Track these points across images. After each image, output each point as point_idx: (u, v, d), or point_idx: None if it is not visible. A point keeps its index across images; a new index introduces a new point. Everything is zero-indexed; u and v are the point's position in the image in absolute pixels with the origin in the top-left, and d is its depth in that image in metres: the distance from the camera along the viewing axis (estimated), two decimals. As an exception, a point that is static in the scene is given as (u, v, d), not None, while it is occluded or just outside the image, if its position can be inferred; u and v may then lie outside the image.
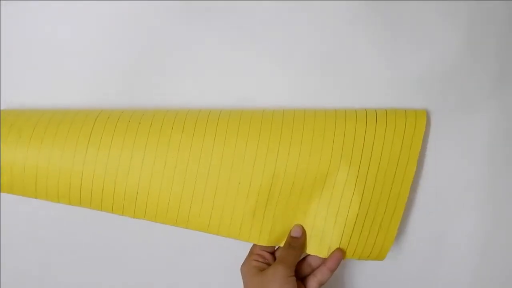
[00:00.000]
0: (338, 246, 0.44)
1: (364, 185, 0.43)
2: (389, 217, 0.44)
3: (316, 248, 0.45)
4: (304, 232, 0.44)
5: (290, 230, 0.44)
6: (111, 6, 0.45)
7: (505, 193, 0.46)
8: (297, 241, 0.44)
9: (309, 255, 0.45)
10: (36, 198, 0.44)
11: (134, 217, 0.45)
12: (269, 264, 0.44)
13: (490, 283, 0.48)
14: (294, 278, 0.42)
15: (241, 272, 0.44)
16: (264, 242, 0.45)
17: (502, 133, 0.45)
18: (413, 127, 0.43)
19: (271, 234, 0.44)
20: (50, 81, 0.47)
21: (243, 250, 0.46)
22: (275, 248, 0.46)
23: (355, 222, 0.44)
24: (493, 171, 0.46)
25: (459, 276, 0.48)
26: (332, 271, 0.44)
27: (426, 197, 0.46)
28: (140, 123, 0.44)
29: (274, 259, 0.45)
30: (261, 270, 0.43)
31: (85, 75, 0.47)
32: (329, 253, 0.44)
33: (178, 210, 0.44)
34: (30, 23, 0.46)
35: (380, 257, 0.45)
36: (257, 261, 0.44)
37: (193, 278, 0.51)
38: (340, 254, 0.44)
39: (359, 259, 0.45)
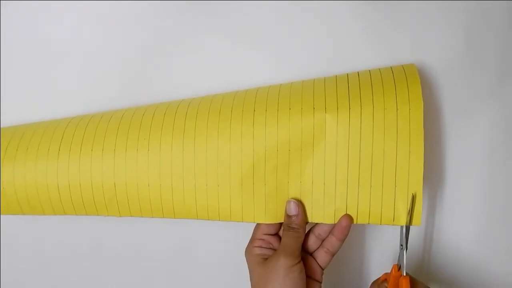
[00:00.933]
0: (344, 210, 0.39)
1: (360, 136, 0.38)
2: (405, 172, 0.38)
3: (320, 215, 0.40)
4: (300, 207, 0.40)
5: (286, 208, 0.40)
6: (111, 6, 0.45)
7: (505, 193, 0.46)
8: (295, 220, 0.40)
9: (316, 224, 0.42)
10: (23, 214, 0.45)
11: (120, 216, 0.43)
12: (273, 249, 0.41)
13: (490, 283, 0.48)
14: (299, 265, 0.39)
15: (245, 257, 0.42)
16: (261, 219, 0.41)
17: (502, 133, 0.45)
18: (401, 68, 0.40)
19: (268, 210, 0.40)
20: (50, 81, 0.47)
21: (243, 249, 0.45)
22: (279, 229, 0.42)
23: (358, 180, 0.38)
24: (493, 171, 0.45)
25: (458, 276, 0.48)
26: (342, 240, 0.40)
27: (426, 197, 0.46)
28: (109, 121, 0.43)
29: (280, 240, 0.41)
30: (265, 258, 0.40)
31: (85, 75, 0.47)
32: (336, 218, 0.40)
33: (161, 200, 0.41)
34: (30, 23, 0.46)
35: (414, 221, 0.38)
36: (260, 247, 0.41)
37: (193, 276, 0.51)
38: (346, 221, 0.39)
39: (381, 224, 0.39)
